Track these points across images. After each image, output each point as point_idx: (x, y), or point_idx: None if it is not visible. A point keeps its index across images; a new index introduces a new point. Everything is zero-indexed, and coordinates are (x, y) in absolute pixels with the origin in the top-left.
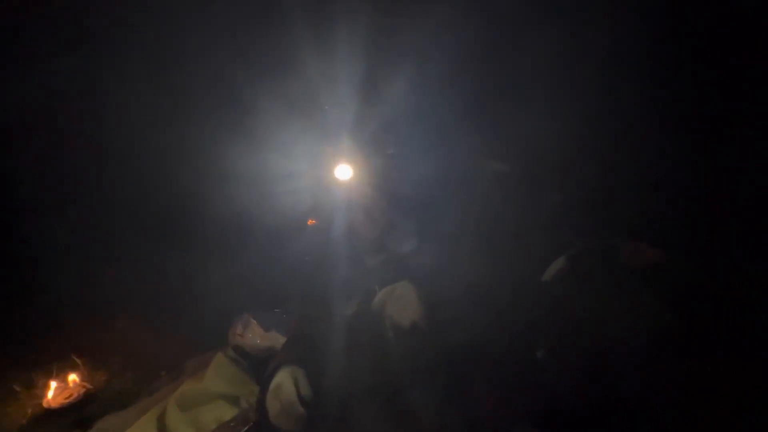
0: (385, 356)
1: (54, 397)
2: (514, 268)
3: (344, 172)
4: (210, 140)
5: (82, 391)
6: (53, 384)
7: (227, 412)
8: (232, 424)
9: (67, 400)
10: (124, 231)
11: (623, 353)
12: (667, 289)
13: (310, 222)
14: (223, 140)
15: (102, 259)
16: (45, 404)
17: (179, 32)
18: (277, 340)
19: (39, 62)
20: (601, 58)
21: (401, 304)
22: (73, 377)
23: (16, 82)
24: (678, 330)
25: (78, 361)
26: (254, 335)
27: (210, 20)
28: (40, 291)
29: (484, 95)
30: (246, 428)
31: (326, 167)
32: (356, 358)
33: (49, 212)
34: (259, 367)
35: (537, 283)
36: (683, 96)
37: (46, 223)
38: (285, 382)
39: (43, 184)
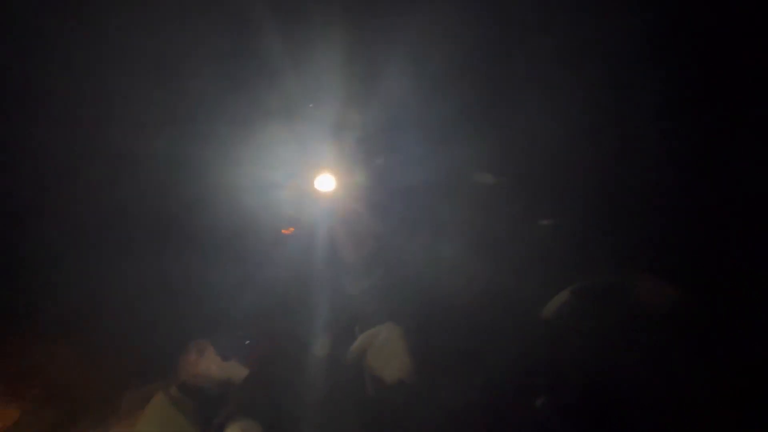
0: (364, 415)
1: None
2: (512, 303)
3: (326, 182)
4: (190, 148)
5: None
6: None
7: None
8: None
9: None
10: (59, 237)
11: (631, 397)
12: (683, 330)
13: (285, 231)
14: (201, 148)
15: (29, 266)
16: None
17: (170, 38)
18: (235, 372)
19: (39, 65)
20: (601, 60)
21: (385, 354)
22: None
23: (16, 85)
24: (690, 373)
25: None
26: (210, 364)
27: (197, 27)
28: None
29: (477, 101)
30: None
31: (307, 177)
32: (327, 415)
33: None
34: (209, 410)
35: (536, 322)
36: (684, 99)
37: None
38: None
39: None
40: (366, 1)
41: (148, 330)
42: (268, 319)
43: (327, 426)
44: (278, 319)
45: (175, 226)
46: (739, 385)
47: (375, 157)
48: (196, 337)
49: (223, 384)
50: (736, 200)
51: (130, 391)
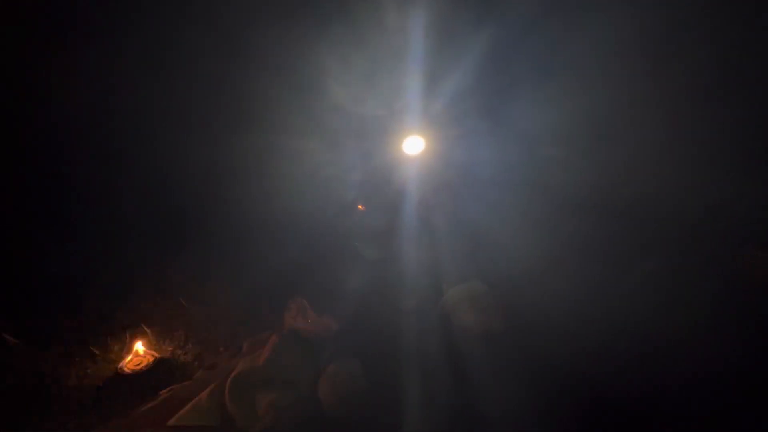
0: (452, 359)
1: (128, 362)
2: (595, 262)
3: (411, 148)
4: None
5: (151, 359)
6: (129, 349)
7: (283, 397)
8: (287, 411)
9: (138, 367)
10: (191, 221)
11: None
12: None
13: (360, 207)
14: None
15: (169, 245)
16: (119, 369)
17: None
18: (331, 324)
19: (53, 65)
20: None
21: (474, 308)
22: (142, 346)
23: (36, 90)
24: None
25: (146, 330)
26: (308, 319)
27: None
28: (113, 265)
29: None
30: (300, 417)
31: (397, 140)
32: (418, 358)
33: (128, 202)
34: (316, 351)
35: (623, 284)
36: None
37: (123, 210)
38: (340, 372)
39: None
40: None
41: (261, 289)
42: (360, 278)
43: (416, 363)
44: (370, 278)
45: (279, 208)
46: None
47: (461, 121)
48: (297, 295)
49: (321, 335)
50: None
51: (249, 337)
